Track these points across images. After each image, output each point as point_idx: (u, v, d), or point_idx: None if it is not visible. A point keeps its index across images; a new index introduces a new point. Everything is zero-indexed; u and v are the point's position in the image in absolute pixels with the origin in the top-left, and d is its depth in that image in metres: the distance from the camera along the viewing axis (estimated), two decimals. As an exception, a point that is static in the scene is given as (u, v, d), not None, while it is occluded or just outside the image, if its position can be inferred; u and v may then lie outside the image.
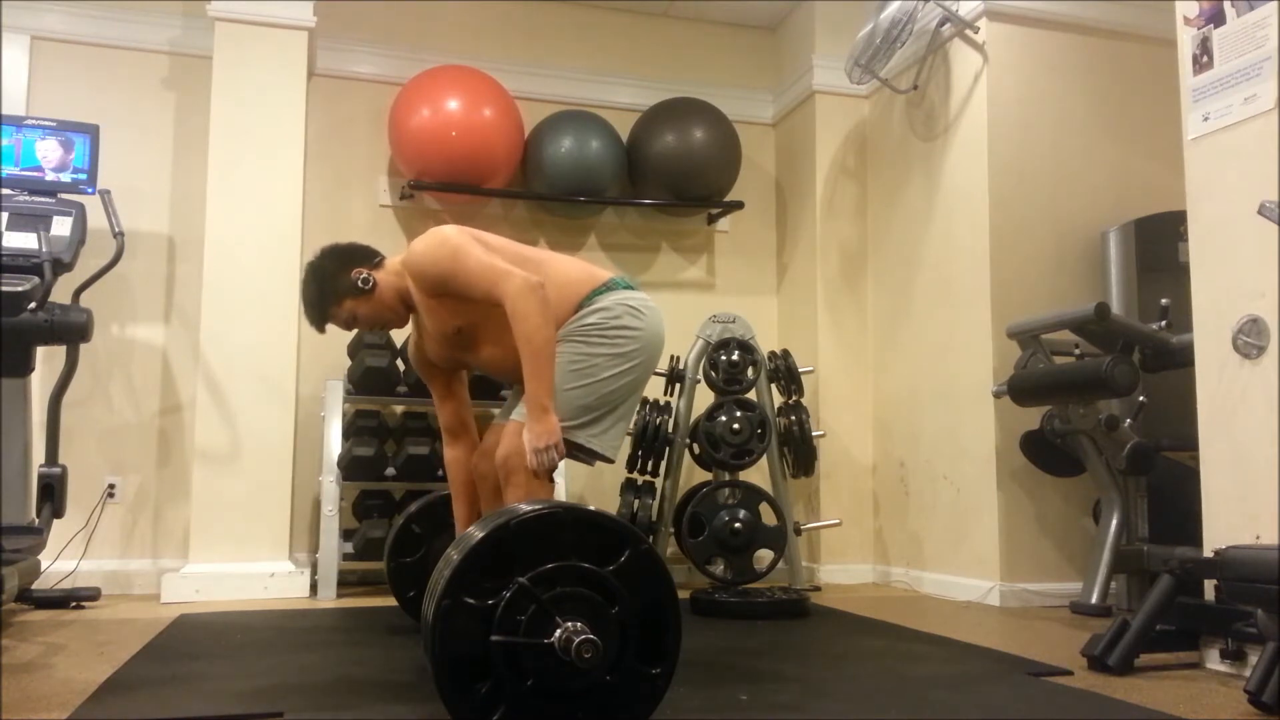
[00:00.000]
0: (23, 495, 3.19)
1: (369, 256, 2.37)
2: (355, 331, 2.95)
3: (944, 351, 3.85)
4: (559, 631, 1.52)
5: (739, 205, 4.51)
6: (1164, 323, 3.12)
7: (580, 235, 4.52)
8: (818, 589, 3.88)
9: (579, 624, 1.52)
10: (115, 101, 3.91)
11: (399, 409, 4.04)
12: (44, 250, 3.11)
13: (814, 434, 3.79)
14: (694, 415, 3.67)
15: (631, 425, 3.50)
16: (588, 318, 2.29)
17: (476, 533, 1.60)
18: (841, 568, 4.23)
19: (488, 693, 1.52)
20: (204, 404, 3.60)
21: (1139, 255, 3.52)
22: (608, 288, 2.35)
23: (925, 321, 3.99)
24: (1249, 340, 2.31)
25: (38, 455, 3.22)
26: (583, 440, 2.26)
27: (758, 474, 3.66)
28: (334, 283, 2.32)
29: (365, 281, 2.30)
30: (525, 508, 1.61)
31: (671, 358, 3.77)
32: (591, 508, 1.71)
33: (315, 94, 4.08)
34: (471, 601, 1.53)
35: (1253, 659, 2.19)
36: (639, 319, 2.32)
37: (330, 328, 2.42)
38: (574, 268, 2.40)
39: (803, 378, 3.86)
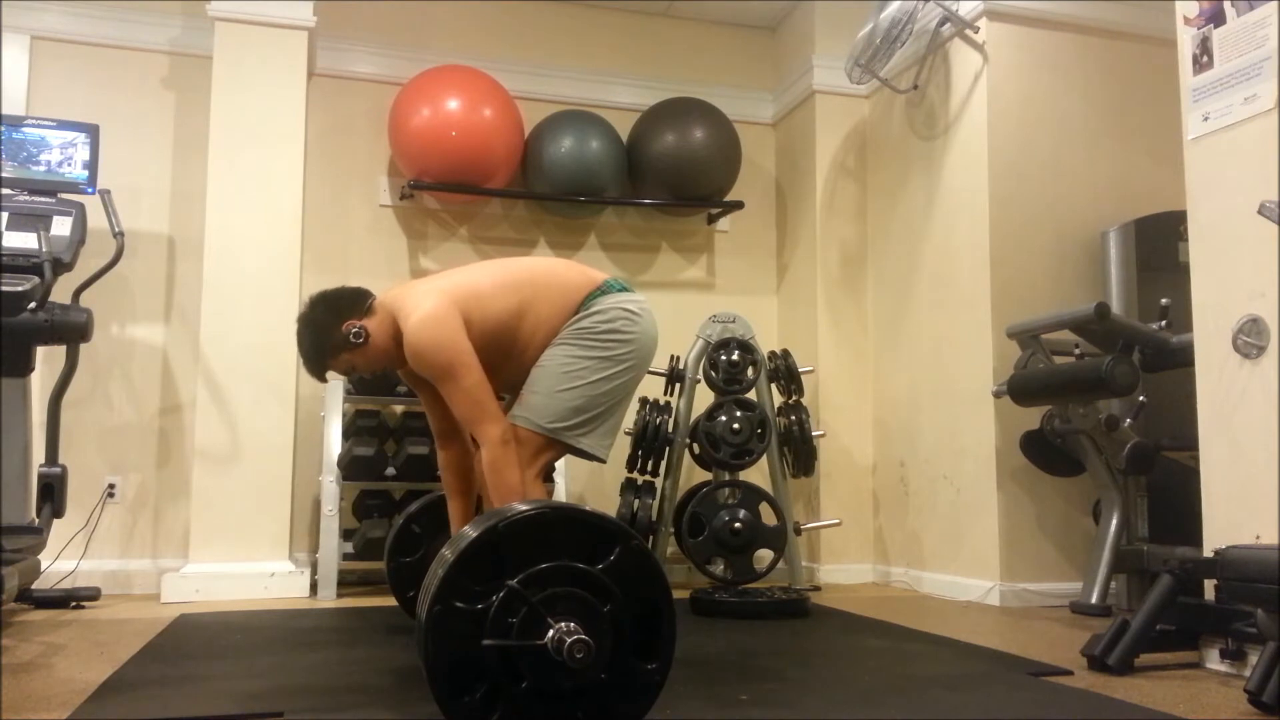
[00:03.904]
0: (23, 495, 3.18)
1: (359, 303, 2.37)
2: None
3: (944, 351, 3.85)
4: (551, 633, 1.51)
5: (739, 205, 4.51)
6: (1164, 323, 3.12)
7: (580, 235, 4.52)
8: (818, 589, 3.88)
9: (571, 624, 1.52)
10: (115, 101, 3.91)
11: (399, 409, 4.04)
12: (44, 250, 3.11)
13: (814, 434, 3.79)
14: (694, 415, 3.67)
15: (631, 425, 3.52)
16: (582, 321, 2.36)
17: (468, 534, 1.61)
18: (841, 568, 4.23)
19: (484, 696, 1.52)
20: (204, 404, 3.60)
21: (1139, 255, 3.52)
22: (603, 290, 2.41)
23: (925, 321, 3.99)
24: (1249, 340, 2.31)
25: (38, 455, 3.22)
26: (571, 441, 2.33)
27: (758, 474, 3.66)
28: (327, 337, 2.33)
29: (358, 335, 2.31)
30: (514, 509, 1.61)
31: (671, 357, 3.77)
32: (582, 506, 1.71)
33: (315, 94, 4.08)
34: (462, 606, 1.52)
35: (1253, 659, 2.19)
36: (633, 323, 2.38)
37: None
38: (571, 272, 2.45)
39: (803, 378, 3.86)
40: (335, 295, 2.39)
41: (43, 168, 3.33)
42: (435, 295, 2.28)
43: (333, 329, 2.32)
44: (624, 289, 2.44)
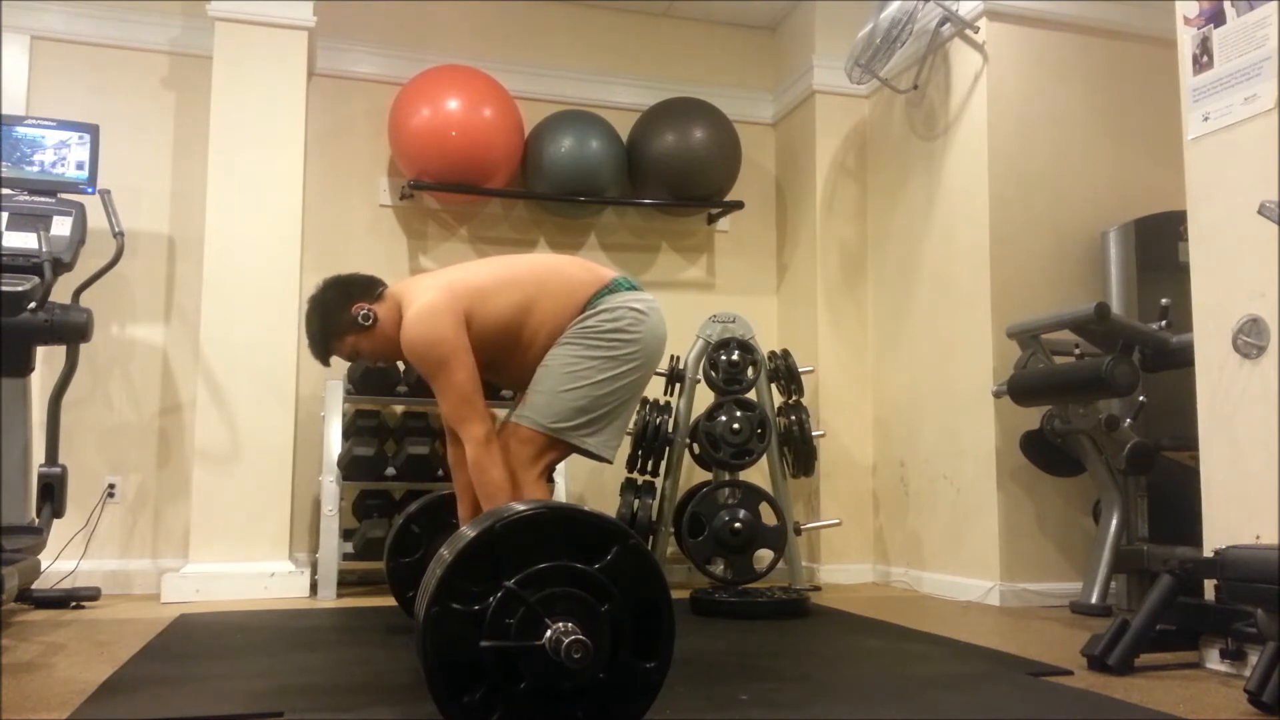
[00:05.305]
0: (23, 495, 3.18)
1: (370, 289, 2.40)
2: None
3: (944, 351, 3.85)
4: (549, 633, 1.51)
5: (739, 205, 4.51)
6: (1164, 323, 3.12)
7: (580, 235, 4.52)
8: (818, 589, 3.87)
9: (569, 624, 1.52)
10: (115, 101, 3.91)
11: (399, 409, 4.04)
12: (44, 250, 3.11)
13: (814, 434, 3.79)
14: (694, 415, 3.67)
15: (631, 425, 3.51)
16: (588, 320, 2.33)
17: (465, 534, 1.60)
18: (841, 568, 4.23)
19: (483, 696, 1.51)
20: (204, 404, 3.60)
21: (1139, 255, 3.52)
22: (610, 289, 2.38)
23: (925, 321, 3.99)
24: (1249, 340, 2.31)
25: (38, 455, 3.22)
26: (575, 441, 2.32)
27: (758, 474, 3.66)
28: (336, 317, 2.36)
29: (366, 318, 2.34)
30: (512, 509, 1.60)
31: (671, 357, 3.77)
32: (579, 506, 1.71)
33: (315, 94, 4.08)
34: (460, 607, 1.52)
35: (1253, 659, 2.19)
36: (639, 322, 2.35)
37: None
38: (578, 269, 2.43)
39: (803, 378, 3.85)
40: (348, 278, 2.42)
41: (36, 168, 3.33)
42: (436, 289, 2.28)
43: (342, 310, 2.35)
44: (632, 287, 2.41)
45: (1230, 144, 2.38)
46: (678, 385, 3.76)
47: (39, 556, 3.22)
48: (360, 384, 3.78)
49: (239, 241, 3.68)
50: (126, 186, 3.76)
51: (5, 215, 3.19)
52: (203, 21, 3.82)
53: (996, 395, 3.46)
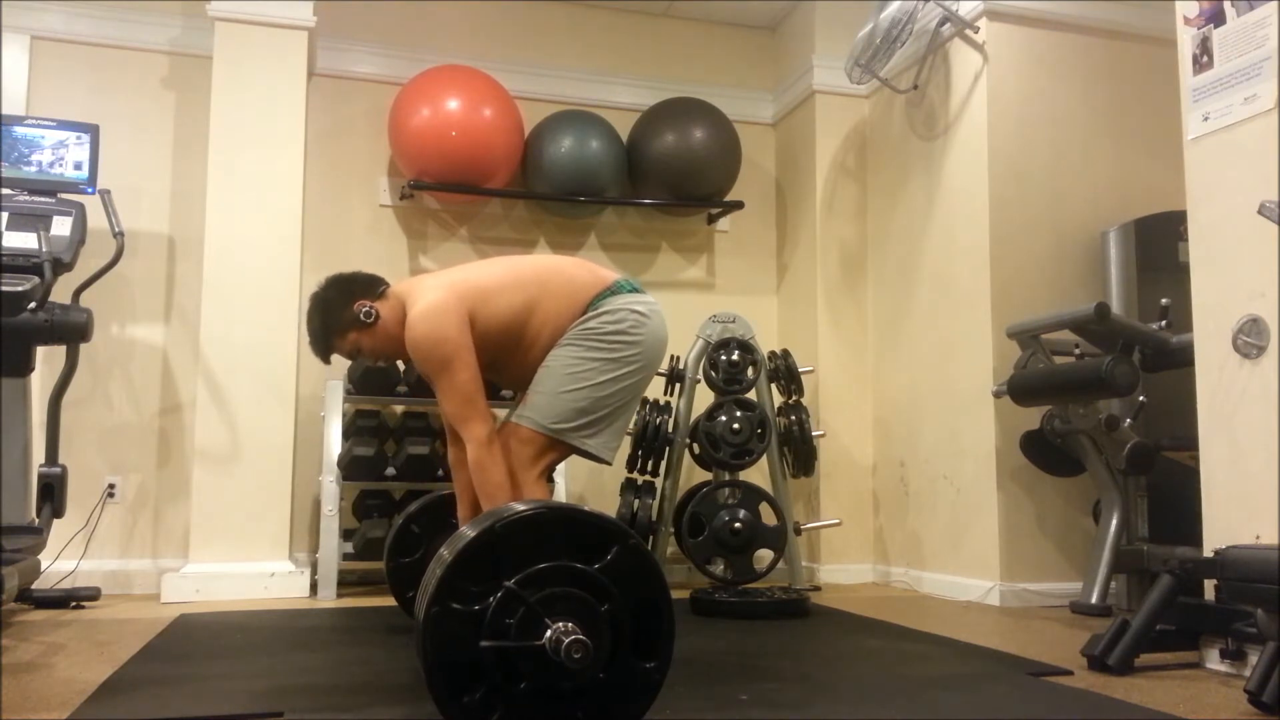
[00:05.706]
0: (23, 495, 3.18)
1: (372, 287, 2.40)
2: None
3: (944, 351, 3.85)
4: (549, 633, 1.51)
5: (739, 205, 4.51)
6: (1164, 323, 3.12)
7: (580, 235, 4.52)
8: (818, 589, 3.87)
9: (569, 624, 1.52)
10: (115, 101, 3.91)
11: (399, 409, 4.04)
12: (44, 250, 3.11)
13: (814, 434, 3.79)
14: (694, 415, 3.67)
15: (631, 425, 3.51)
16: (589, 321, 2.34)
17: (465, 534, 1.61)
18: (841, 568, 4.23)
19: (482, 696, 1.52)
20: (204, 404, 3.60)
21: (1139, 255, 3.52)
22: (613, 291, 2.39)
23: (925, 321, 3.99)
24: (1249, 340, 2.31)
25: (38, 455, 3.22)
26: (575, 442, 2.33)
27: (758, 474, 3.66)
28: (337, 315, 2.36)
29: (368, 315, 2.34)
30: (512, 509, 1.60)
31: (671, 358, 3.77)
32: (579, 506, 1.71)
33: (315, 94, 4.08)
34: (460, 607, 1.52)
35: (1253, 659, 2.19)
36: (641, 325, 2.36)
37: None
38: (580, 271, 2.43)
39: (803, 378, 3.86)
40: (350, 276, 2.43)
41: (33, 168, 3.32)
42: (441, 289, 2.29)
43: (344, 307, 2.35)
44: (634, 289, 2.42)
45: (1230, 144, 2.38)
46: (678, 385, 3.76)
47: (39, 556, 3.22)
48: (360, 384, 3.78)
49: (239, 241, 3.67)
50: (126, 186, 3.76)
51: (5, 215, 3.19)
52: (203, 21, 3.82)
53: (996, 395, 3.46)
